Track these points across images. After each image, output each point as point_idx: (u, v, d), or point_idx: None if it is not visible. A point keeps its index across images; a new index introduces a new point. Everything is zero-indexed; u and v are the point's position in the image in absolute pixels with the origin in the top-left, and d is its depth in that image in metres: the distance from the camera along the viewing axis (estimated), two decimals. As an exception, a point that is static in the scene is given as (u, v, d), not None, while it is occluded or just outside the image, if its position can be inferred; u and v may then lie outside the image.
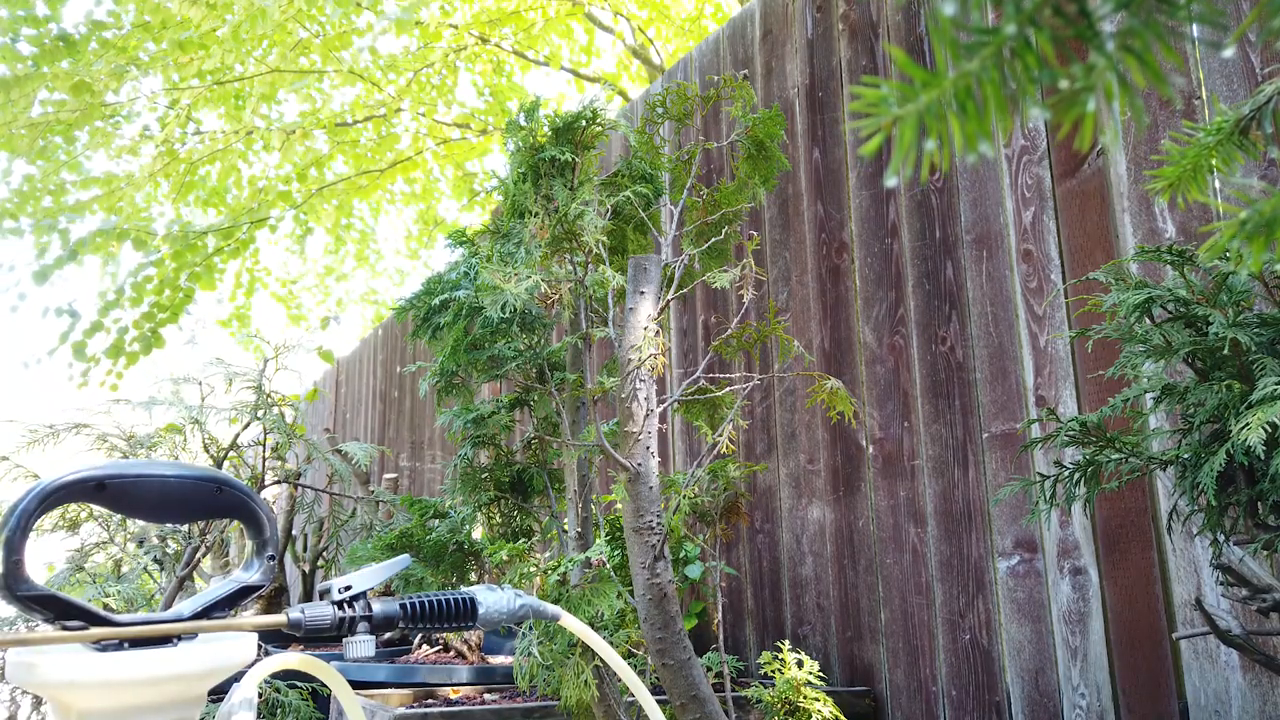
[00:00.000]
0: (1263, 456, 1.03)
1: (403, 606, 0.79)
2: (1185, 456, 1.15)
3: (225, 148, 6.78)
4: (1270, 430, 1.00)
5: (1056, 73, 0.25)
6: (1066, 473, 1.28)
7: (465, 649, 2.60)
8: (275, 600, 3.66)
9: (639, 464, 1.42)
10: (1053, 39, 0.25)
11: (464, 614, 0.85)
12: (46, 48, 5.40)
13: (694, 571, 2.33)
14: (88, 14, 5.77)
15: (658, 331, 1.46)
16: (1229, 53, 1.76)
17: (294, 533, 4.05)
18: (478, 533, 1.82)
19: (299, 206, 6.52)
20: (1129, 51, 0.24)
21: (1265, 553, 1.11)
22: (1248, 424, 1.01)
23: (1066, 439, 1.26)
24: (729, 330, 1.62)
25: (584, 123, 1.56)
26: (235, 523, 2.76)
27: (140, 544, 3.06)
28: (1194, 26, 1.81)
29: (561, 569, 1.49)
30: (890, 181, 0.29)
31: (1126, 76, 0.24)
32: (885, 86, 0.26)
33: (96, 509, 2.86)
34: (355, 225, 8.84)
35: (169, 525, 2.88)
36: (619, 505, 1.48)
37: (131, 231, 5.84)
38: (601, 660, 1.50)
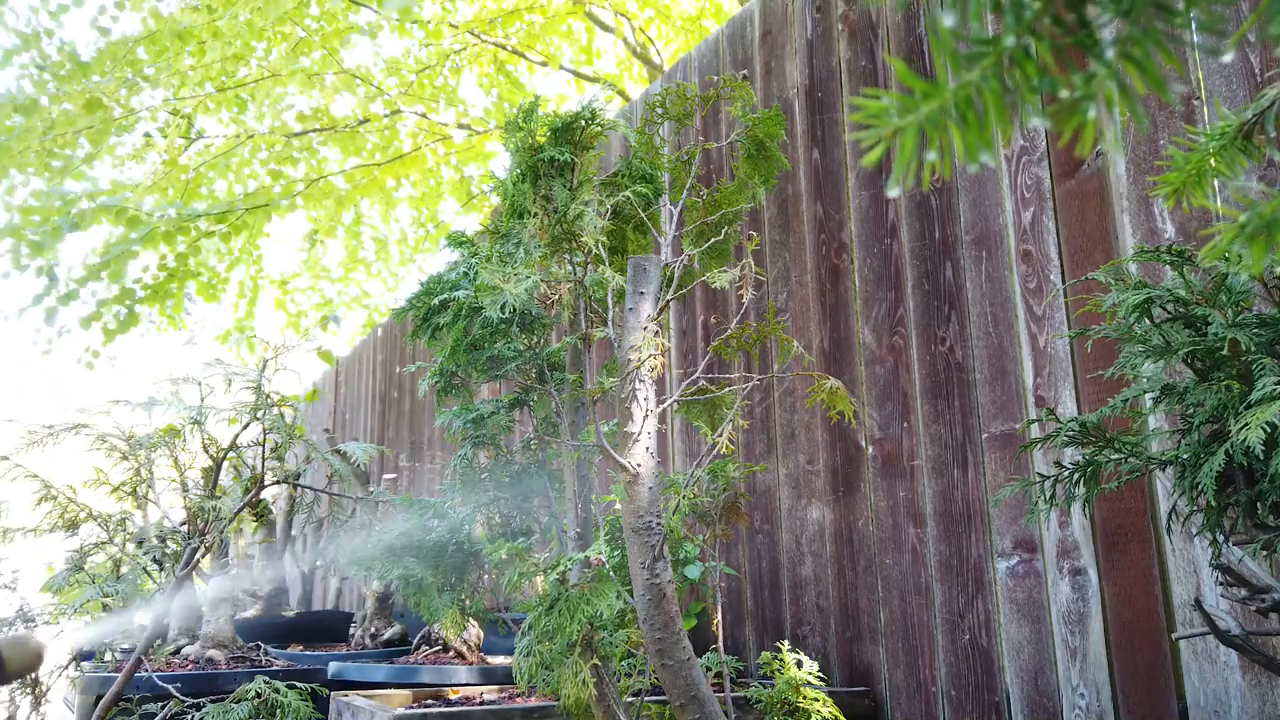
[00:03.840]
0: (1262, 457, 1.03)
1: None
2: (1185, 457, 1.15)
3: (229, 151, 6.79)
4: (1269, 430, 1.00)
5: (1056, 81, 0.25)
6: (1066, 473, 1.28)
7: (465, 649, 2.61)
8: (275, 601, 3.66)
9: (638, 464, 1.42)
10: (1052, 48, 0.25)
11: None
12: (59, 73, 5.46)
13: (693, 572, 2.33)
14: (93, 19, 5.80)
15: (657, 332, 1.46)
16: (1229, 58, 1.76)
17: (294, 533, 4.05)
18: (477, 532, 1.82)
19: (295, 194, 6.52)
20: (1129, 59, 0.24)
21: (1264, 553, 1.11)
22: (1247, 424, 1.01)
23: (1066, 439, 1.26)
24: (729, 330, 1.62)
25: (583, 123, 1.56)
26: (235, 523, 2.76)
27: (140, 544, 3.06)
28: (1193, 31, 1.81)
29: (561, 568, 1.49)
30: (893, 192, 0.29)
31: (1127, 83, 0.24)
32: (886, 97, 0.26)
33: (95, 508, 2.86)
34: (365, 233, 8.86)
35: (168, 525, 2.88)
36: (619, 505, 1.48)
37: (128, 212, 5.83)
38: (600, 660, 1.51)
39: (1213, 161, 0.58)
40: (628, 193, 1.64)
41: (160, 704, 2.37)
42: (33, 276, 6.34)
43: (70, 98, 5.40)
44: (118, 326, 6.17)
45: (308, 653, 3.24)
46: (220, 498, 2.66)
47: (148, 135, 6.70)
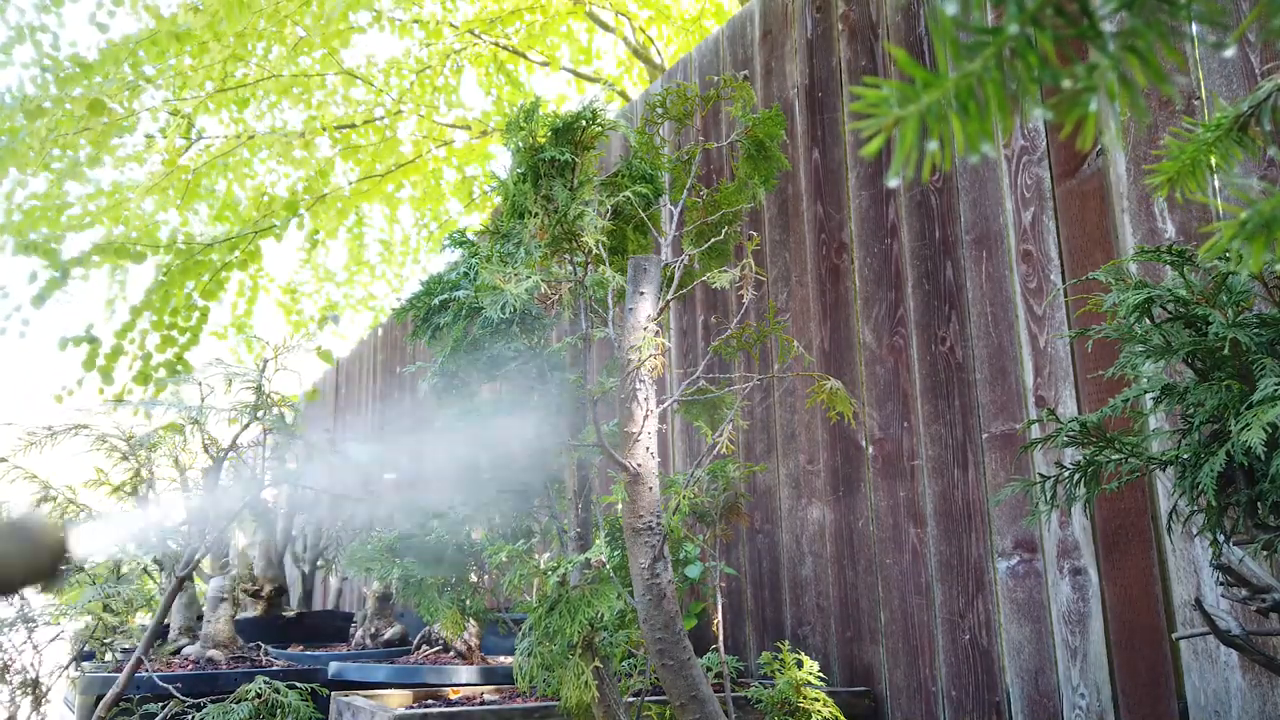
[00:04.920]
0: (1262, 457, 1.03)
1: None
2: (1185, 457, 1.15)
3: (230, 152, 6.79)
4: (1270, 431, 1.00)
5: (1058, 73, 0.24)
6: (1066, 473, 1.28)
7: (465, 649, 2.60)
8: (275, 600, 3.66)
9: (638, 464, 1.42)
10: (1054, 39, 0.24)
11: None
12: (64, 74, 5.47)
13: (694, 572, 2.33)
14: (90, 15, 5.82)
15: (657, 332, 1.46)
16: (1229, 53, 1.76)
17: (294, 533, 4.05)
18: (477, 534, 1.81)
19: (300, 216, 6.52)
20: (1131, 51, 0.24)
21: (1265, 553, 1.11)
22: (1248, 424, 1.01)
23: (1066, 439, 1.26)
24: (729, 330, 1.62)
25: (584, 123, 1.56)
26: (234, 523, 2.75)
27: (140, 544, 3.06)
28: (1194, 26, 1.81)
29: (561, 570, 1.49)
30: (892, 182, 0.29)
31: (1129, 76, 0.24)
32: (886, 87, 0.26)
33: (95, 509, 2.86)
34: (368, 235, 8.88)
35: (168, 525, 2.88)
36: (619, 505, 1.48)
37: (130, 246, 5.85)
38: (601, 661, 1.51)
39: (1209, 155, 0.58)
40: (628, 193, 1.64)
41: (160, 704, 2.37)
42: (41, 331, 6.29)
43: (74, 101, 5.42)
44: (168, 374, 6.16)
45: (308, 653, 3.24)
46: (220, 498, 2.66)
47: (149, 136, 6.70)
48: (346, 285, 9.50)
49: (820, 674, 1.85)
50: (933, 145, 0.25)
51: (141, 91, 5.84)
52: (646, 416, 1.43)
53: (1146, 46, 0.23)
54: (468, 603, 1.72)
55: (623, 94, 8.28)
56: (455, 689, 2.27)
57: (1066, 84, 0.24)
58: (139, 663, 2.31)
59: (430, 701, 2.09)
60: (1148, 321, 1.19)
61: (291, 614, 3.68)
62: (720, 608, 1.83)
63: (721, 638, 1.78)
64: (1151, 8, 0.23)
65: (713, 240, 1.71)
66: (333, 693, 2.13)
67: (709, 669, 2.21)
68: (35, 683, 2.95)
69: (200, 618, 3.10)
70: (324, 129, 6.69)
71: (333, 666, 2.60)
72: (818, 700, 1.77)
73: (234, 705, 2.13)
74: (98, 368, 5.98)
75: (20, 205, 6.21)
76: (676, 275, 1.58)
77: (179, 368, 6.12)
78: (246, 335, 7.96)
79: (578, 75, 8.19)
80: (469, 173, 8.21)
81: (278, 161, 7.20)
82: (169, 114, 6.41)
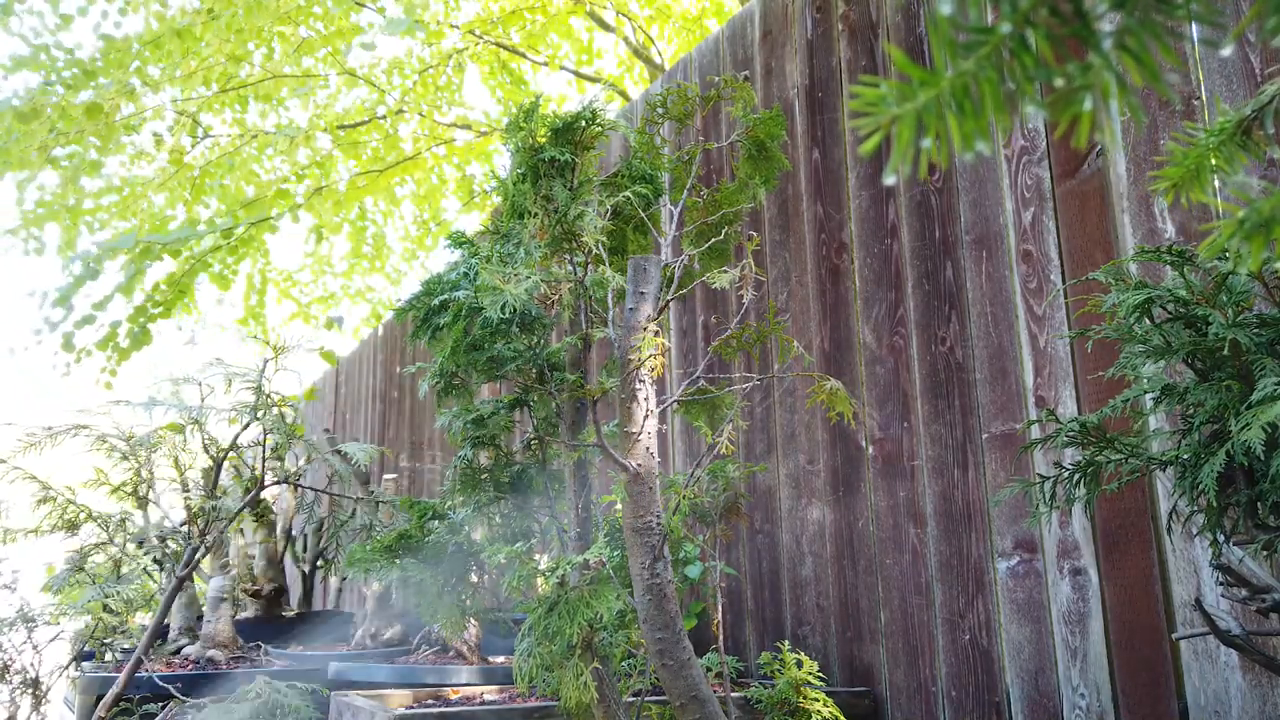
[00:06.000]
0: (1262, 457, 1.03)
1: None
2: (1185, 457, 1.15)
3: (235, 151, 6.81)
4: (1270, 431, 1.00)
5: (1053, 72, 0.25)
6: (1066, 474, 1.28)
7: (465, 649, 2.60)
8: (276, 601, 3.66)
9: (638, 464, 1.42)
10: (1049, 38, 0.25)
11: None
12: (67, 80, 5.50)
13: (693, 572, 2.33)
14: (95, 25, 5.85)
15: (657, 332, 1.46)
16: (1228, 52, 1.76)
17: (294, 533, 4.05)
18: (477, 534, 1.81)
19: (297, 207, 6.53)
20: (1126, 51, 0.24)
21: (1265, 553, 1.11)
22: (1248, 424, 1.01)
23: (1066, 440, 1.26)
24: (729, 331, 1.62)
25: (584, 123, 1.56)
26: (234, 523, 2.75)
27: (140, 544, 3.06)
28: (1192, 25, 1.81)
29: (560, 571, 1.49)
30: (889, 179, 0.29)
31: (1124, 76, 0.24)
32: (884, 85, 0.26)
33: (95, 509, 2.86)
34: (368, 229, 8.90)
35: (169, 525, 2.88)
36: (619, 505, 1.48)
37: (141, 244, 5.87)
38: (600, 662, 1.51)
39: (1212, 159, 0.58)
40: (628, 193, 1.64)
41: (160, 704, 2.37)
42: (40, 294, 6.32)
43: (73, 108, 5.46)
44: (131, 344, 6.15)
45: (308, 653, 3.24)
46: (221, 498, 2.67)
47: (157, 135, 6.73)
48: (344, 277, 9.51)
49: (820, 674, 1.85)
50: (928, 143, 0.25)
51: (145, 93, 5.86)
52: (646, 416, 1.43)
53: (1140, 46, 0.23)
54: (468, 603, 1.72)
55: (623, 94, 8.28)
56: (455, 689, 2.27)
57: (1061, 83, 0.24)
58: (139, 663, 2.31)
59: (430, 701, 2.09)
60: (1148, 322, 1.19)
61: (291, 614, 3.68)
62: (720, 608, 1.83)
63: (721, 638, 1.78)
64: (1146, 7, 0.23)
65: (713, 240, 1.71)
66: (333, 693, 2.13)
67: (709, 669, 2.21)
68: (35, 682, 2.96)
69: (200, 618, 3.10)
70: (327, 129, 6.71)
71: (333, 666, 2.60)
72: (817, 700, 1.77)
73: (234, 705, 2.13)
74: (62, 333, 6.00)
75: (36, 206, 6.24)
76: (676, 275, 1.58)
77: (143, 337, 6.12)
78: (261, 326, 8.02)
79: (578, 75, 8.20)
80: (469, 170, 8.22)
81: (281, 160, 7.23)
82: (175, 113, 6.43)
